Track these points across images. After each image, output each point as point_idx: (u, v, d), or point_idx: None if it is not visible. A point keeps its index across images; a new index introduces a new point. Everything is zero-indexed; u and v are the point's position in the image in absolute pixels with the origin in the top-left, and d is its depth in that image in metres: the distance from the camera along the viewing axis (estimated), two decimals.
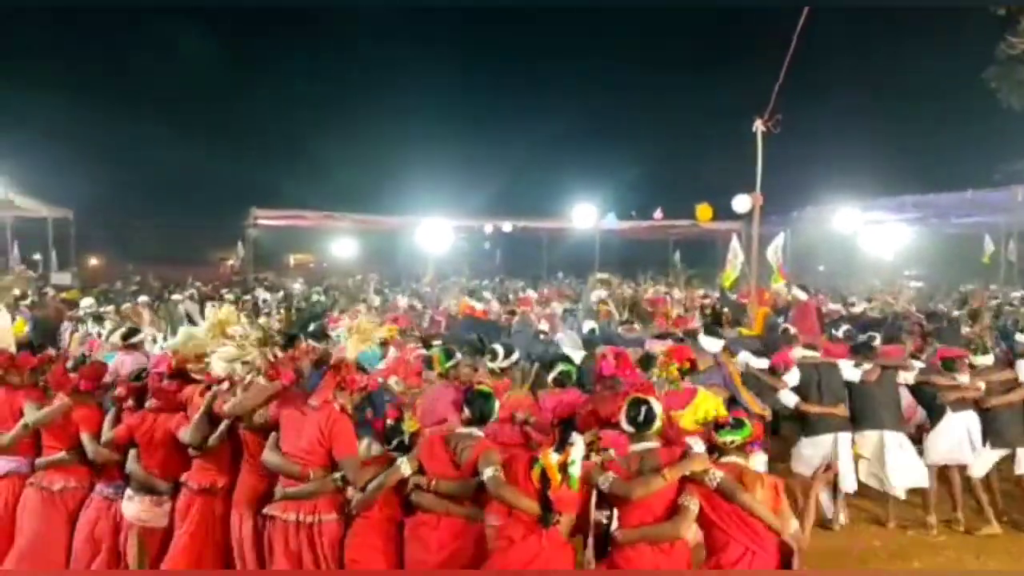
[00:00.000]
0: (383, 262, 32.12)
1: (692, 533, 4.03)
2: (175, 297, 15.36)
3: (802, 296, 11.37)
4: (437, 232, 23.83)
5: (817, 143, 31.43)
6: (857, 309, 12.75)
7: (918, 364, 7.15)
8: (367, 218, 27.16)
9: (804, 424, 6.84)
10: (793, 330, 8.62)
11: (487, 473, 3.99)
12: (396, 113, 43.40)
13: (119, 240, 33.86)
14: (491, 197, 30.65)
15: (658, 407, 4.21)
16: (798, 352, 7.02)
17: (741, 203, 11.66)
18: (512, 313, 12.18)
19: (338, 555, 4.32)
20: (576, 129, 46.39)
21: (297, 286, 21.71)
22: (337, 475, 4.39)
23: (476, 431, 4.36)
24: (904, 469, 6.62)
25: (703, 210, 14.17)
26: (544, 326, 10.34)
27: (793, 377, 6.75)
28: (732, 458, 4.05)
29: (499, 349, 5.98)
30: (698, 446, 4.41)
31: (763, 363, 7.01)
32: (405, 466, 4.27)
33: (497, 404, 4.55)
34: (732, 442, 4.10)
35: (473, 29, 49.37)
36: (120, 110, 38.17)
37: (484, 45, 47.08)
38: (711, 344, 6.82)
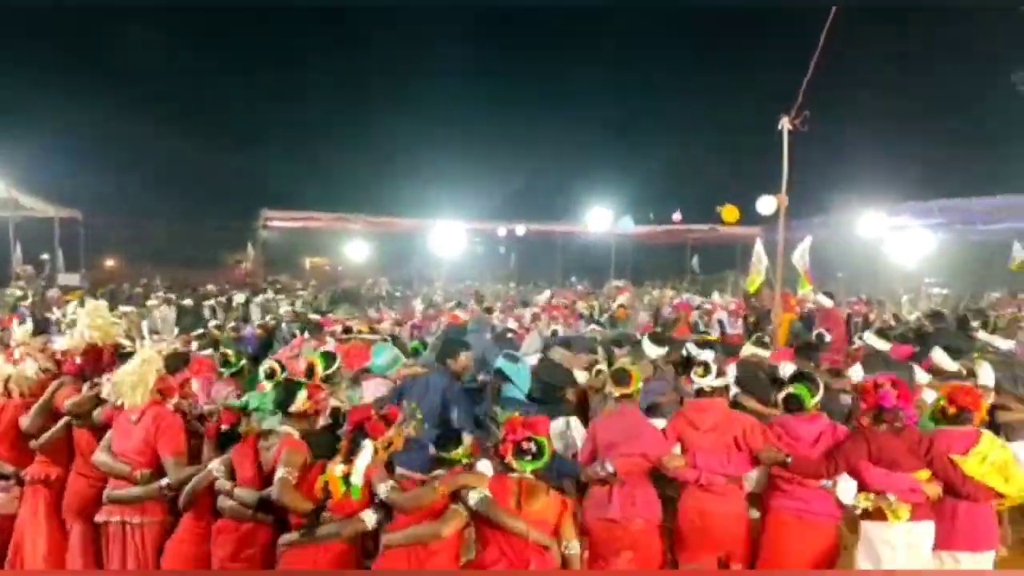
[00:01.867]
0: (397, 265, 31.78)
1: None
2: (150, 302, 14.89)
3: (827, 303, 10.88)
4: (450, 235, 23.45)
5: (843, 145, 30.80)
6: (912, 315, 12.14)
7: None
8: (380, 220, 26.84)
9: None
10: (828, 336, 8.19)
11: (278, 472, 3.95)
12: (410, 115, 43.12)
13: (134, 241, 33.71)
14: (505, 200, 30.35)
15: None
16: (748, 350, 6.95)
17: (765, 205, 11.07)
18: (489, 311, 12.27)
19: (157, 558, 4.38)
20: (593, 131, 46.01)
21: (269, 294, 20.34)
22: (164, 481, 4.40)
23: (284, 427, 4.27)
24: None
25: (729, 211, 13.59)
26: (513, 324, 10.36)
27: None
28: None
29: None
30: None
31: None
32: (216, 469, 4.22)
33: (300, 396, 4.37)
34: None
35: (488, 30, 48.82)
36: (130, 110, 38.03)
37: (499, 47, 46.66)
38: (652, 350, 6.73)
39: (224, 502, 4.17)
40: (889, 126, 35.49)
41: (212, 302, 15.89)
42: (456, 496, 3.91)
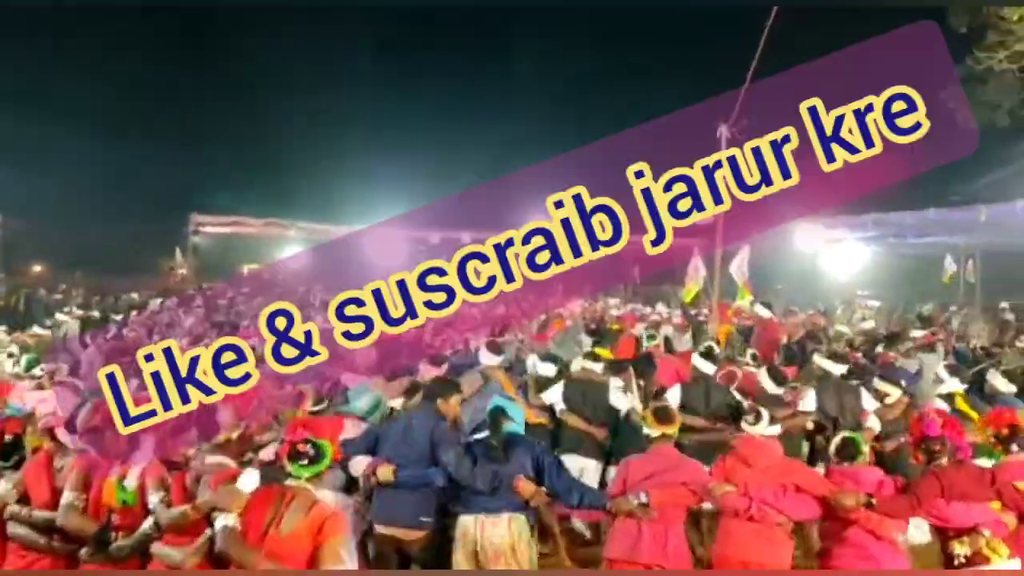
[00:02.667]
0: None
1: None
2: (59, 316, 14.04)
3: (765, 313, 10.81)
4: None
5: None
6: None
7: None
8: (315, 227, 26.06)
9: None
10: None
11: (63, 498, 3.73)
12: (346, 119, 41.98)
13: (63, 247, 32.40)
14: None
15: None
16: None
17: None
18: None
19: None
20: (533, 139, 45.81)
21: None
22: None
23: (79, 444, 3.98)
24: None
25: None
26: None
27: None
28: None
29: None
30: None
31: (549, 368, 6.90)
32: (6, 492, 3.95)
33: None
34: None
35: (430, 32, 48.09)
36: (49, 114, 36.57)
37: (438, 49, 45.71)
38: (489, 359, 6.72)
39: (15, 528, 3.87)
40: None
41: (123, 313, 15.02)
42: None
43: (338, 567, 3.43)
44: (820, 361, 7.15)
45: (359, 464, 4.75)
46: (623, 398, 6.65)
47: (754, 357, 8.68)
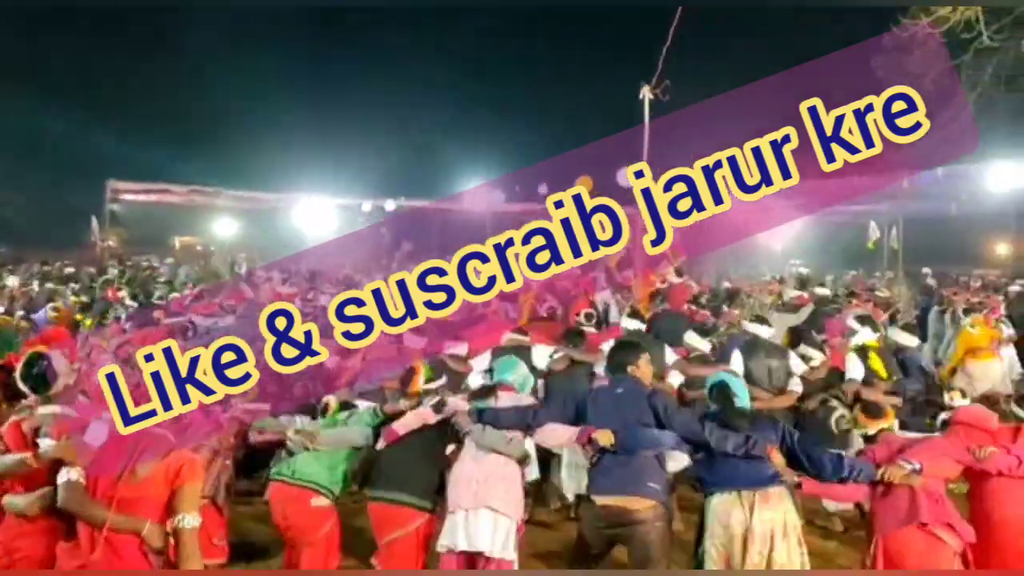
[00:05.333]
0: (265, 243, 30.37)
1: None
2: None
3: (675, 279, 10.94)
4: (316, 211, 22.49)
5: (706, 120, 31.14)
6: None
7: None
8: (243, 194, 25.23)
9: None
10: None
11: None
12: (268, 81, 40.60)
13: None
14: (379, 175, 29.30)
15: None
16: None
17: (625, 177, 10.87)
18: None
19: None
20: (464, 105, 45.01)
21: None
22: None
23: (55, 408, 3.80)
24: None
25: (583, 183, 13.39)
26: None
27: None
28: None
29: None
30: None
31: None
32: None
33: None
34: None
35: None
36: None
37: (367, 13, 44.34)
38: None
39: None
40: (749, 100, 36.01)
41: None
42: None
43: (193, 514, 3.37)
44: (748, 325, 7.16)
45: (558, 431, 4.52)
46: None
47: None
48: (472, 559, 4.42)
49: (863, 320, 7.01)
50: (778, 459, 4.15)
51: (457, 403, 4.82)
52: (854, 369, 6.41)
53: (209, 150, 35.92)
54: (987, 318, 9.48)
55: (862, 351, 6.59)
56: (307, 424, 4.96)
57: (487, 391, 4.91)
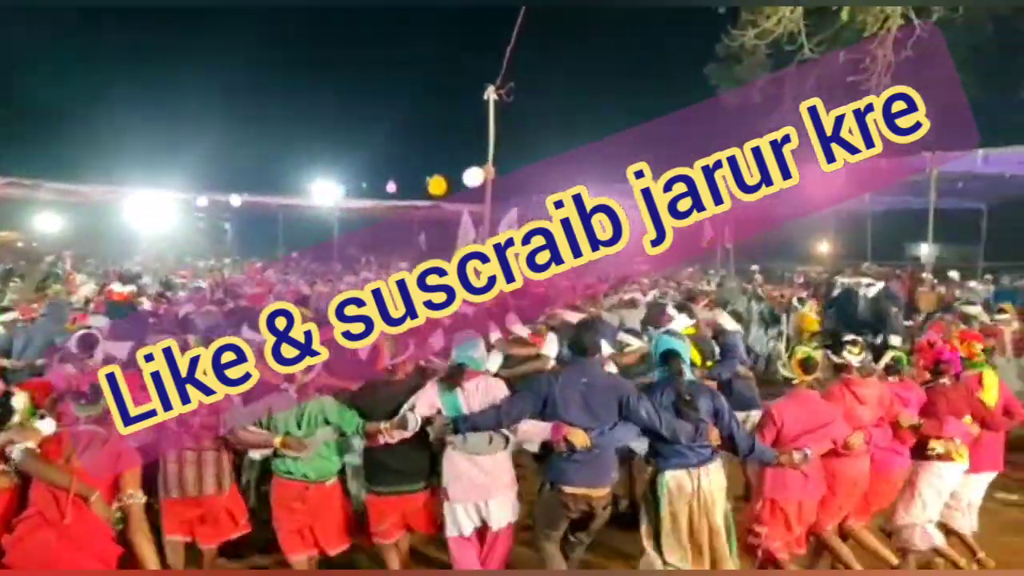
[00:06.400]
0: (93, 240, 28.42)
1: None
2: None
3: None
4: (149, 205, 21.28)
5: (552, 122, 31.72)
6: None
7: None
8: (66, 187, 23.25)
9: None
10: None
11: None
12: (97, 69, 37.96)
13: None
14: (219, 169, 28.05)
15: None
16: None
17: (472, 176, 10.90)
18: (162, 297, 11.39)
19: None
20: (312, 101, 43.88)
21: None
22: None
23: None
24: None
25: (436, 183, 13.36)
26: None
27: None
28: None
29: None
30: None
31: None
32: None
33: None
34: None
35: None
36: None
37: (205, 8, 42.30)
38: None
39: None
40: (586, 107, 36.88)
41: None
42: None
43: (137, 492, 3.89)
44: (562, 312, 7.56)
45: (534, 430, 4.67)
46: None
47: None
48: (480, 531, 4.86)
49: (680, 308, 7.40)
50: (715, 437, 4.65)
51: (421, 407, 4.78)
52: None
53: (30, 139, 33.26)
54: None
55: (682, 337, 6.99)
56: (282, 421, 4.81)
57: (453, 376, 4.85)
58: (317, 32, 45.65)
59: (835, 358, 5.24)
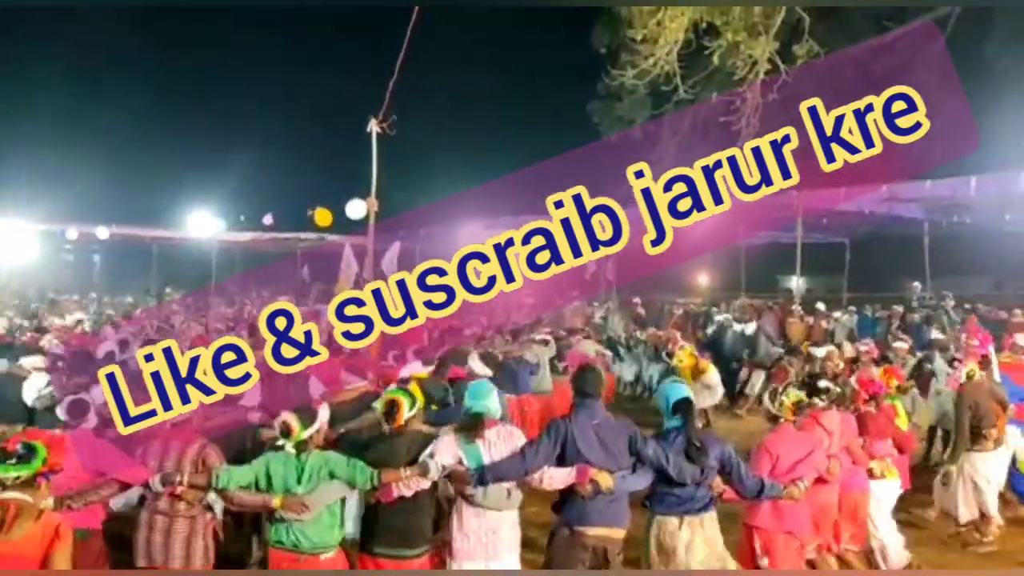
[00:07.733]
0: None
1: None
2: None
3: None
4: (13, 236, 20.07)
5: (436, 157, 31.85)
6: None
7: None
8: None
9: None
10: None
11: None
12: None
13: None
14: (86, 200, 26.77)
15: None
16: None
17: (355, 209, 10.74)
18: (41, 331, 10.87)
19: None
20: (190, 132, 42.71)
21: None
22: None
23: None
24: None
25: (321, 215, 13.18)
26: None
27: None
28: None
29: None
30: None
31: None
32: None
33: None
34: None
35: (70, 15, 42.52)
36: None
37: (60, 22, 40.43)
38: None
39: None
40: (476, 140, 37.37)
41: None
42: None
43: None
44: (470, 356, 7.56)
45: (559, 476, 4.52)
46: None
47: None
48: None
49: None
50: (718, 486, 4.77)
51: (442, 456, 4.44)
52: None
53: None
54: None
55: None
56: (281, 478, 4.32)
57: (472, 426, 4.57)
58: (195, 60, 44.60)
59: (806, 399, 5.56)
